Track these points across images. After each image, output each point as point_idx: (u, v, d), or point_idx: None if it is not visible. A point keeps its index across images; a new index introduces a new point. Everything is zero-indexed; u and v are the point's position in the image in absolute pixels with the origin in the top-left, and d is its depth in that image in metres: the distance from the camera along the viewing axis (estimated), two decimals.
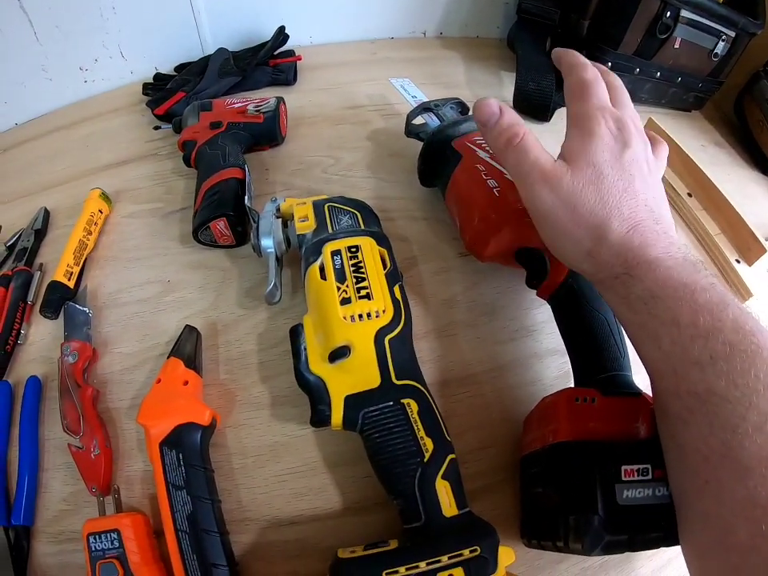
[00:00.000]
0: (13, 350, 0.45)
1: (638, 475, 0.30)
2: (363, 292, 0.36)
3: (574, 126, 0.35)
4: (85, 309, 0.46)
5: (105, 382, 0.43)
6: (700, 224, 0.62)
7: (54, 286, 0.46)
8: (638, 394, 0.34)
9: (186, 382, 0.38)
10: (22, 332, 0.46)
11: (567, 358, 0.40)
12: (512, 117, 0.36)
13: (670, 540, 0.29)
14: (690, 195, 0.65)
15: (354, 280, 0.36)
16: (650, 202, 0.33)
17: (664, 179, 0.65)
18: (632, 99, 0.72)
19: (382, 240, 0.40)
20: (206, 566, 0.33)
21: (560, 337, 0.41)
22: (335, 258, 0.37)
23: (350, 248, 0.38)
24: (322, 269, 0.38)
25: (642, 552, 0.37)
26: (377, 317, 0.35)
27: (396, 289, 0.37)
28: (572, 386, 0.39)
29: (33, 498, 0.39)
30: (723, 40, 0.71)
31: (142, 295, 0.47)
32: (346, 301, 0.35)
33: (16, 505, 0.38)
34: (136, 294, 0.47)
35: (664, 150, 0.39)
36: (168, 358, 0.40)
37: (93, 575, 0.33)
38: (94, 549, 0.34)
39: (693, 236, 0.62)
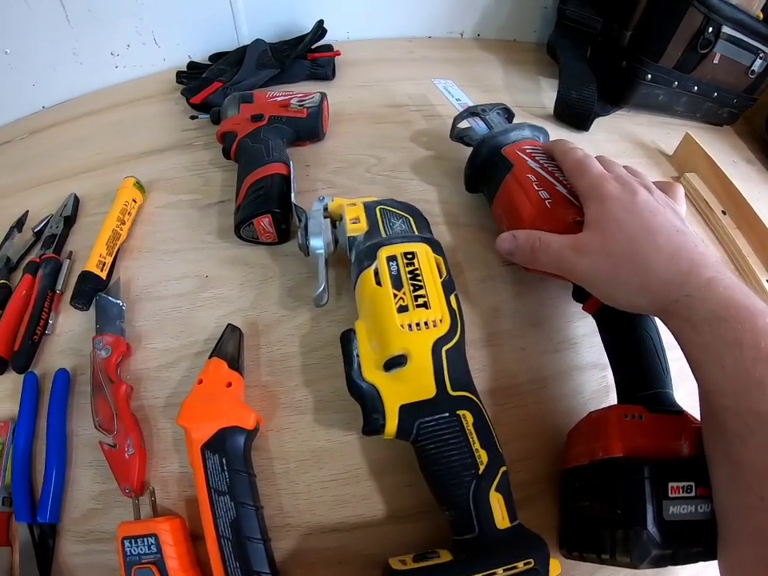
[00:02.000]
0: (40, 341, 0.44)
1: (683, 492, 0.30)
2: (421, 300, 0.35)
3: (586, 198, 0.39)
4: (118, 301, 0.44)
5: (139, 378, 0.42)
6: (734, 243, 0.62)
7: (86, 276, 0.45)
8: (681, 411, 0.35)
9: (230, 384, 0.37)
10: (50, 322, 0.45)
11: (607, 372, 0.40)
12: (522, 234, 0.41)
13: (708, 555, 0.30)
14: (724, 213, 0.64)
15: (411, 288, 0.35)
16: (680, 227, 0.35)
17: (699, 196, 0.65)
18: (667, 112, 0.74)
19: (437, 247, 0.39)
20: (248, 573, 0.32)
21: (600, 350, 0.41)
22: (391, 263, 0.36)
23: (406, 254, 0.37)
24: (376, 274, 0.37)
25: (675, 571, 0.37)
26: (434, 326, 0.34)
27: (452, 298, 0.36)
28: (613, 400, 0.39)
29: (60, 496, 0.38)
30: (761, 57, 0.71)
31: (178, 290, 0.46)
32: (403, 309, 0.34)
33: (42, 502, 0.37)
34: (172, 288, 0.46)
35: (677, 189, 0.41)
36: (210, 358, 0.39)
37: None
38: (129, 553, 0.33)
39: (726, 254, 0.62)
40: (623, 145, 0.67)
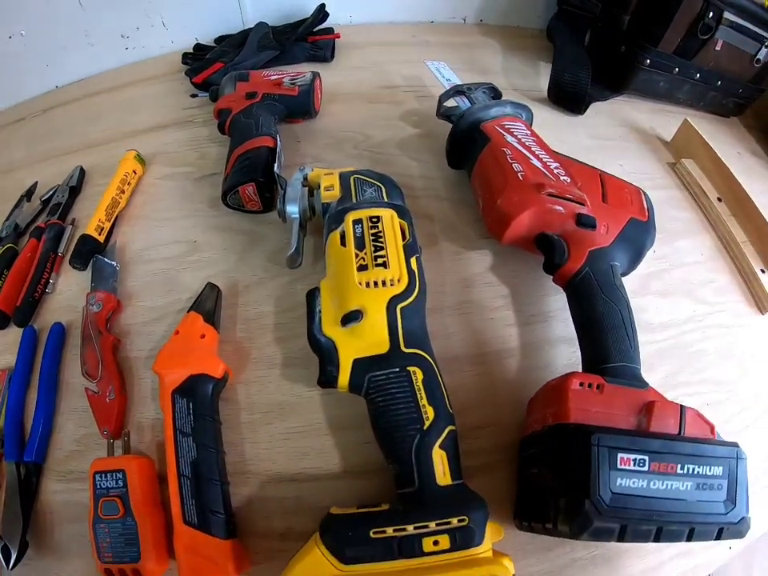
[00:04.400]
0: (41, 298, 0.47)
1: (634, 465, 0.29)
2: (380, 260, 0.36)
3: None
4: (113, 262, 0.47)
5: (126, 332, 0.44)
6: (727, 229, 0.61)
7: (85, 239, 0.48)
8: (645, 386, 0.34)
9: (203, 336, 0.40)
10: (51, 281, 0.48)
11: (578, 348, 0.39)
12: None
13: (661, 536, 0.29)
14: (719, 200, 0.64)
15: (373, 248, 0.37)
16: None
17: (694, 182, 0.64)
18: (669, 99, 0.74)
19: (403, 213, 0.40)
20: (204, 511, 0.34)
21: (573, 326, 0.40)
22: (356, 226, 0.38)
23: (371, 218, 0.39)
24: (342, 236, 0.38)
25: (634, 551, 0.38)
26: (391, 285, 0.36)
27: (413, 260, 0.37)
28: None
29: (46, 438, 0.40)
30: (766, 46, 0.69)
31: (168, 253, 0.49)
32: (362, 267, 0.36)
33: (29, 442, 0.40)
34: (163, 251, 0.49)
35: None
36: (188, 312, 0.41)
37: (95, 511, 0.35)
38: (99, 486, 0.35)
39: (718, 241, 0.61)
40: (620, 130, 0.67)
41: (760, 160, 0.76)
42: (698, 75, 0.70)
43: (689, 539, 0.29)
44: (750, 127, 0.81)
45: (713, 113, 0.79)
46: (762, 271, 0.58)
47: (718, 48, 0.67)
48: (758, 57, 0.70)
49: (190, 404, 0.37)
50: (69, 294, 0.48)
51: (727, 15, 0.64)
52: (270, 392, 0.40)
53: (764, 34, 0.67)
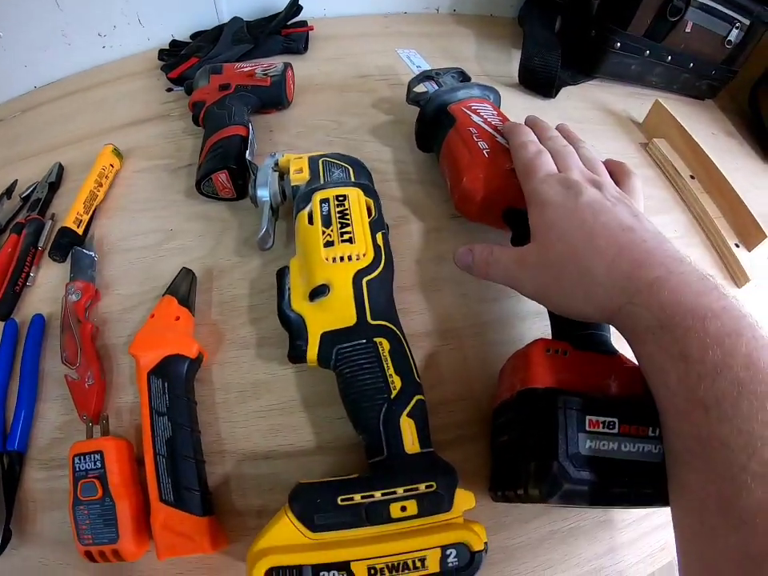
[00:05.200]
0: (21, 291, 0.48)
1: (603, 427, 0.29)
2: (346, 236, 0.37)
3: (529, 204, 0.37)
4: (91, 253, 0.48)
5: (105, 320, 0.45)
6: (700, 205, 0.62)
7: (64, 231, 0.49)
8: (614, 352, 0.35)
9: (178, 318, 0.41)
10: (32, 275, 0.49)
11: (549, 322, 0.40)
12: (479, 249, 0.39)
13: (634, 500, 0.29)
14: (692, 177, 0.65)
15: (339, 225, 0.38)
16: (626, 225, 0.32)
17: (667, 161, 0.65)
18: (642, 82, 0.75)
19: (369, 191, 0.41)
20: (179, 489, 0.34)
21: None
22: (323, 205, 0.39)
23: (338, 197, 0.39)
24: (310, 215, 0.39)
25: (614, 522, 0.38)
26: (357, 259, 0.37)
27: (379, 236, 0.38)
28: None
29: (28, 427, 0.41)
30: (737, 27, 0.69)
31: (145, 242, 0.49)
32: (329, 244, 0.37)
33: (12, 432, 0.40)
34: (140, 241, 0.49)
35: (633, 180, 0.39)
36: (163, 296, 0.42)
37: (74, 493, 0.35)
38: (78, 469, 0.36)
39: (692, 217, 0.62)
40: (591, 113, 0.68)
41: (735, 140, 0.77)
42: (670, 58, 0.71)
43: (665, 503, 0.29)
44: (726, 109, 0.82)
45: (687, 95, 0.80)
46: (737, 245, 0.59)
47: (688, 30, 0.68)
48: (728, 38, 0.70)
49: (165, 384, 0.37)
50: (49, 286, 0.48)
51: None
52: (244, 371, 0.41)
53: (734, 15, 0.68)
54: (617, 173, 0.39)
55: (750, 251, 0.58)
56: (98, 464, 0.36)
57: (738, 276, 0.57)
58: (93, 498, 0.35)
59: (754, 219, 0.58)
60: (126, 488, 0.36)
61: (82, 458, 0.36)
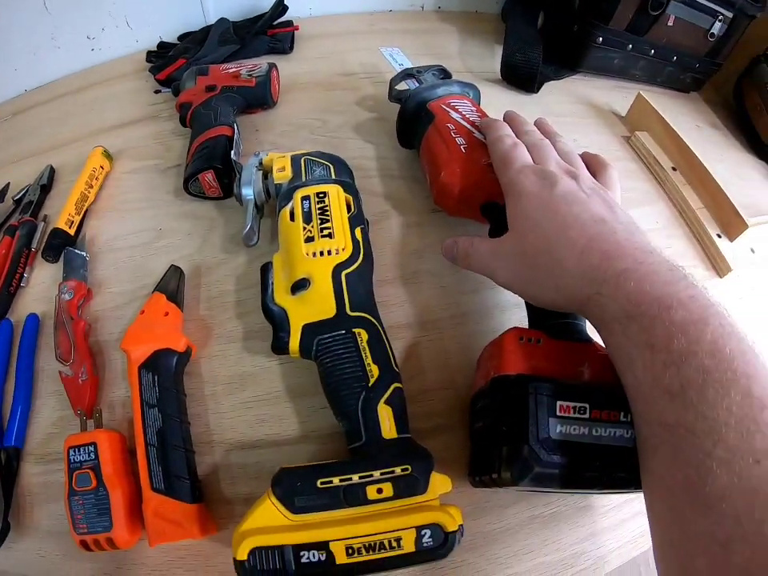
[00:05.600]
0: (16, 292, 0.49)
1: (574, 412, 0.30)
2: (326, 232, 0.39)
3: (506, 195, 0.38)
4: (83, 253, 0.49)
5: (97, 318, 0.46)
6: (682, 196, 0.63)
7: (56, 232, 0.50)
8: (588, 341, 0.36)
9: (167, 314, 0.42)
10: (25, 275, 0.50)
11: None
12: (462, 241, 0.41)
13: (607, 484, 0.30)
14: (674, 169, 0.66)
15: (319, 221, 0.39)
16: (599, 216, 0.33)
17: (649, 154, 0.66)
18: (625, 76, 0.75)
19: (349, 188, 0.43)
20: (169, 477, 0.36)
21: None
22: (304, 202, 0.40)
23: (318, 194, 0.41)
24: (291, 212, 0.41)
25: (595, 508, 0.39)
26: (336, 253, 0.38)
27: (357, 231, 0.40)
28: None
29: (25, 423, 0.42)
30: (720, 20, 0.70)
31: (135, 242, 0.50)
32: (309, 239, 0.38)
33: (8, 428, 0.41)
34: (130, 240, 0.51)
35: (609, 171, 0.39)
36: (152, 293, 0.43)
37: (69, 484, 0.36)
38: (72, 461, 0.37)
39: (675, 209, 0.63)
40: (575, 107, 0.69)
41: (719, 132, 0.78)
42: (653, 51, 0.72)
43: (638, 487, 0.29)
44: (711, 101, 0.83)
45: (672, 88, 0.81)
46: (719, 236, 0.60)
47: (670, 23, 0.69)
48: (711, 31, 0.71)
49: (155, 377, 0.38)
50: (42, 286, 0.49)
51: None
52: (231, 364, 0.42)
53: (717, 8, 0.69)
54: (593, 164, 0.40)
55: (732, 241, 0.59)
56: (92, 455, 0.37)
57: (720, 266, 0.58)
58: (87, 489, 0.36)
59: (736, 209, 0.59)
60: (119, 478, 0.37)
61: (76, 450, 0.37)
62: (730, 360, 0.25)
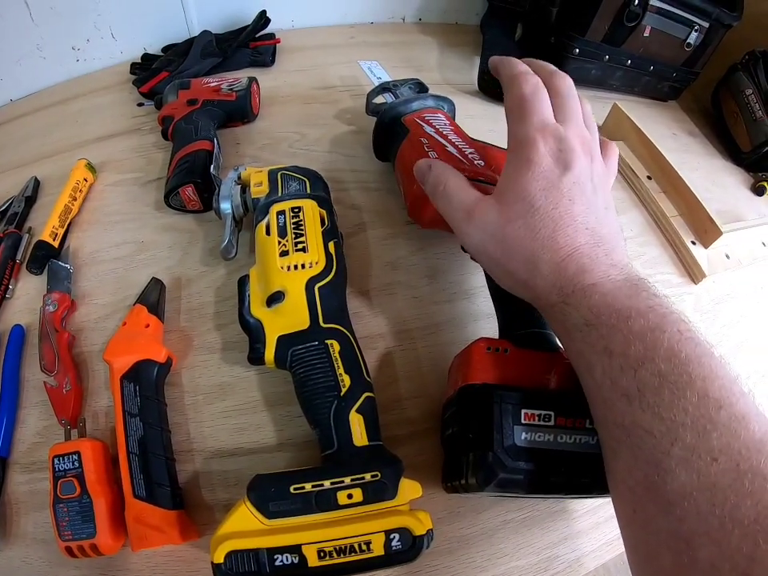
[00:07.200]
0: (1, 303, 0.50)
1: (539, 420, 0.31)
2: (300, 246, 0.40)
3: (511, 152, 0.34)
4: (67, 265, 0.50)
5: (81, 329, 0.47)
6: (657, 205, 0.64)
7: (40, 244, 0.51)
8: (555, 349, 0.37)
9: (148, 325, 0.43)
10: (10, 287, 0.51)
11: None
12: (439, 169, 0.38)
13: (572, 489, 0.31)
14: (649, 178, 0.67)
15: (294, 236, 0.40)
16: (591, 224, 0.32)
17: (625, 164, 0.67)
18: (602, 86, 0.77)
19: (323, 202, 0.44)
20: (151, 485, 0.37)
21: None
22: (279, 217, 0.42)
23: (293, 208, 0.42)
24: (267, 226, 0.42)
25: (568, 512, 0.40)
26: (310, 267, 0.39)
27: (331, 245, 0.41)
28: None
29: (10, 433, 0.43)
30: (696, 30, 0.72)
31: (117, 254, 0.51)
32: (284, 253, 0.40)
33: None
34: (113, 252, 0.52)
35: (613, 153, 0.37)
36: (134, 305, 0.44)
37: (54, 492, 0.37)
38: (57, 469, 0.38)
39: (649, 217, 0.64)
40: None
41: (696, 139, 0.80)
42: (630, 62, 0.73)
43: (603, 492, 0.30)
44: (689, 109, 0.84)
45: (650, 97, 0.82)
46: (693, 243, 0.61)
47: (646, 34, 0.70)
48: (688, 41, 0.73)
49: (137, 387, 0.40)
50: (27, 297, 0.50)
51: (653, 2, 0.67)
52: (211, 374, 0.43)
53: (693, 18, 0.70)
54: (601, 143, 0.37)
55: (706, 248, 0.61)
56: (76, 464, 0.38)
57: (694, 273, 0.59)
58: (71, 496, 0.37)
59: (711, 217, 0.60)
60: (102, 486, 0.38)
61: (60, 458, 0.38)
62: (686, 363, 0.25)
